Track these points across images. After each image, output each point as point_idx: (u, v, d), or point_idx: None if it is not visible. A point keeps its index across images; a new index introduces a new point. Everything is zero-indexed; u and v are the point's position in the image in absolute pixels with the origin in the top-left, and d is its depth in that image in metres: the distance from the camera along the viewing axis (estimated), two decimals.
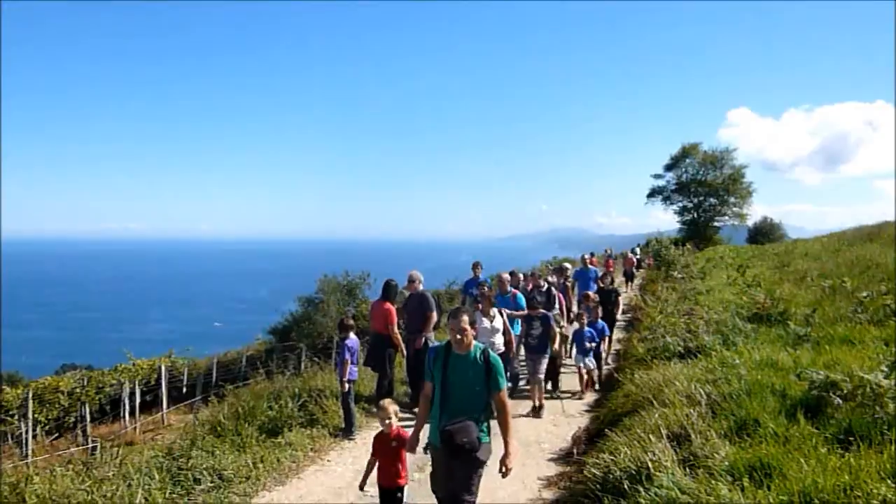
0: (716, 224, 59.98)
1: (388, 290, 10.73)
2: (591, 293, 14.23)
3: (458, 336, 5.08)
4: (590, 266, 17.36)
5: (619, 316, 15.29)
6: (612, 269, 33.94)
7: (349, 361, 9.36)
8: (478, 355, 5.12)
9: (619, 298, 14.92)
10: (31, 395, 15.30)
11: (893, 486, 4.04)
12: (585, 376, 11.72)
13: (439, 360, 5.20)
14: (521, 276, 14.93)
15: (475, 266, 14.61)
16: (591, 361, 11.82)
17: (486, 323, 10.23)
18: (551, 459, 8.16)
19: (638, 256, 33.39)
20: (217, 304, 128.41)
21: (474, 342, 5.20)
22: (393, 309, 10.49)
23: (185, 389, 23.03)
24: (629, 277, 30.59)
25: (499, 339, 10.20)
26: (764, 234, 56.79)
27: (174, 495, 6.64)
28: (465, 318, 5.14)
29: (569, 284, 15.76)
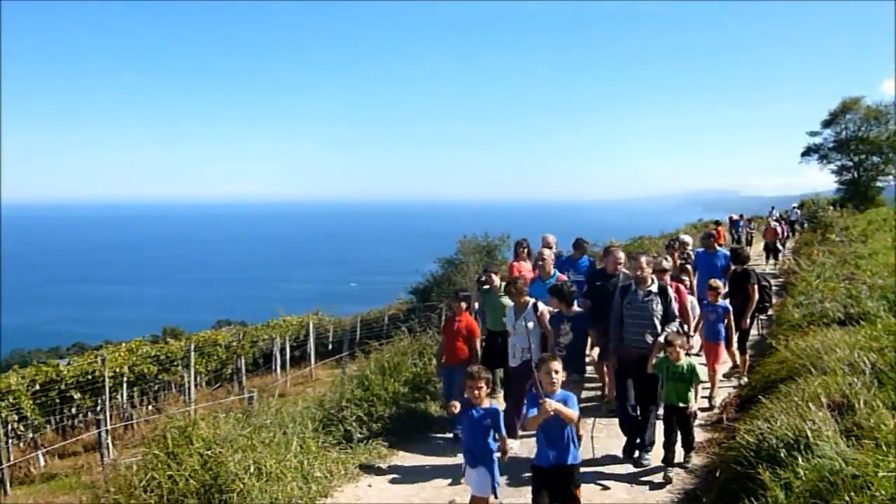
0: (878, 184, 55.60)
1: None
2: (715, 281, 9.42)
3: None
4: (718, 247, 11.52)
5: (762, 316, 11.28)
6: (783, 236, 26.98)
7: None
8: None
9: (770, 291, 10.47)
10: (192, 347, 16.44)
11: None
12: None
13: None
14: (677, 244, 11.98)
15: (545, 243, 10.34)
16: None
17: (523, 323, 7.35)
18: (699, 425, 7.94)
19: (777, 224, 25.59)
20: (346, 265, 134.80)
21: None
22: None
23: (330, 346, 24.09)
24: (772, 252, 24.25)
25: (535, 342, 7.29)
26: None
27: (326, 444, 6.96)
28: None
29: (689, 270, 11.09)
